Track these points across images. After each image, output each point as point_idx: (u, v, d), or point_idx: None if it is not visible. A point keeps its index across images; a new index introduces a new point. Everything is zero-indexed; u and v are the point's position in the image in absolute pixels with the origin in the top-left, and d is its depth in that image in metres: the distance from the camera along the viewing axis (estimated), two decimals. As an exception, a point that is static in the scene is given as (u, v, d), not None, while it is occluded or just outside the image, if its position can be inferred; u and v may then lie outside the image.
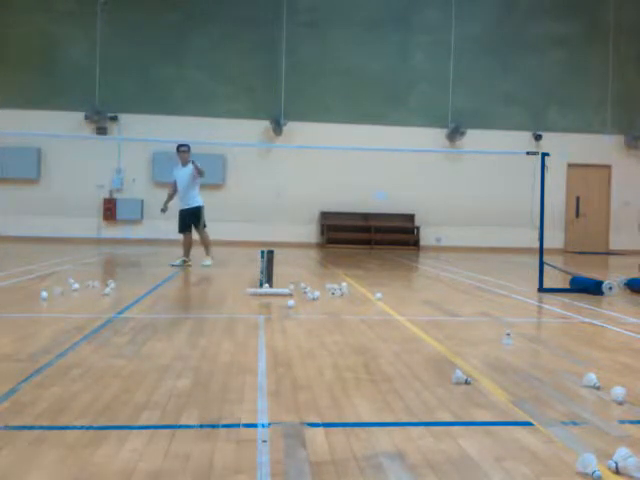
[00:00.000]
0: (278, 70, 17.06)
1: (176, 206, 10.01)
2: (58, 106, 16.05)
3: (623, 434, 2.57)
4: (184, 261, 9.67)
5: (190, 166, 9.65)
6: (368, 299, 6.55)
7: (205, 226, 9.86)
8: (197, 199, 9.78)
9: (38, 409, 2.69)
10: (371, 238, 17.11)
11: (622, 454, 2.18)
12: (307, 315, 5.46)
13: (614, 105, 17.98)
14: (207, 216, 9.98)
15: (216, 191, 16.28)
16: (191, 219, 9.74)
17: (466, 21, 17.56)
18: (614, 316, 5.82)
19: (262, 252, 7.23)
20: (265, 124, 16.83)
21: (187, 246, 9.79)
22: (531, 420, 2.71)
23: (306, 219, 17.14)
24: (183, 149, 9.78)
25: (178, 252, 10.17)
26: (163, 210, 9.81)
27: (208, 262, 9.79)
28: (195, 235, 9.87)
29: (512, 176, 17.02)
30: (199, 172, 9.56)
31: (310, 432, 2.49)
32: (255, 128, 16.76)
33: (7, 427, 2.47)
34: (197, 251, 10.27)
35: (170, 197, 9.96)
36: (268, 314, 5.46)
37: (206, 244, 9.93)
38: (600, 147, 17.96)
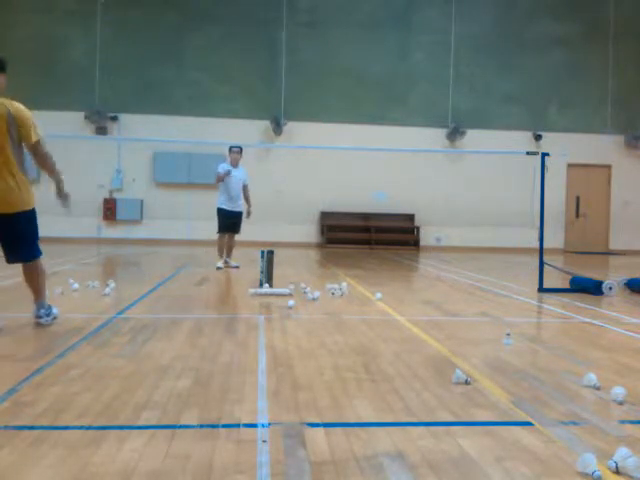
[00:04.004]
0: (278, 70, 17.06)
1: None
2: (58, 106, 16.04)
3: (623, 434, 2.57)
4: (226, 261, 9.75)
5: (241, 169, 9.76)
6: (368, 299, 6.55)
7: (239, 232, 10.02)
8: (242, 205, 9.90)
9: (38, 409, 2.69)
10: (371, 238, 17.09)
11: (622, 454, 2.18)
12: (307, 315, 5.46)
13: (614, 105, 17.97)
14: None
15: (215, 191, 16.20)
16: (237, 222, 9.81)
17: (466, 21, 17.56)
18: (614, 316, 5.82)
19: (262, 252, 7.24)
20: (265, 124, 16.82)
21: (228, 247, 9.86)
22: (531, 420, 2.71)
23: (306, 219, 17.13)
24: (236, 150, 9.76)
25: (178, 252, 10.15)
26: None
27: (236, 264, 9.82)
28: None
29: (512, 176, 17.03)
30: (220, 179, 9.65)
31: (310, 432, 2.49)
32: (255, 128, 16.75)
33: (7, 427, 2.47)
34: (196, 252, 10.25)
35: (220, 177, 9.72)
36: (268, 314, 5.46)
37: (232, 248, 10.04)
38: (600, 147, 17.96)
